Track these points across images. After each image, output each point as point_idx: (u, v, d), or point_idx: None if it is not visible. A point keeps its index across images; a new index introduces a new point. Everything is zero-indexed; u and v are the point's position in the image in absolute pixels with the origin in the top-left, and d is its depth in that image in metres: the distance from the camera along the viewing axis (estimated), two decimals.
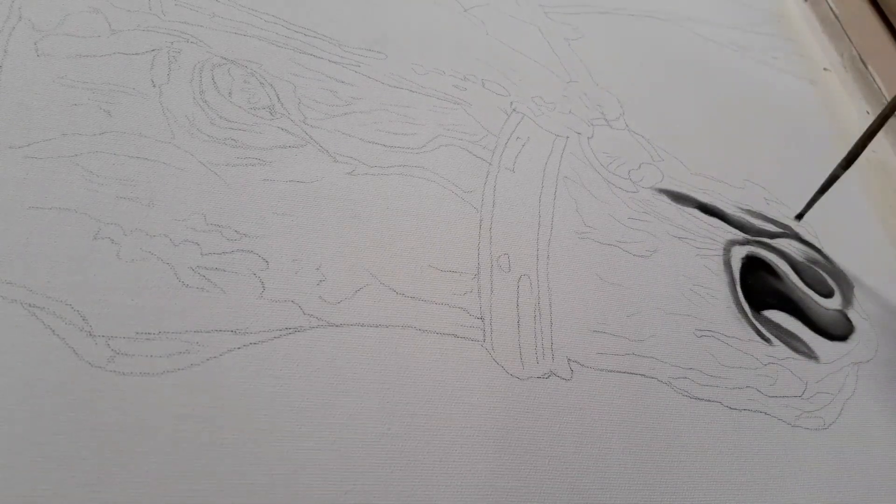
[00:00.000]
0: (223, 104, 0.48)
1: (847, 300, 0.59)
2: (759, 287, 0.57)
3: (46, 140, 0.43)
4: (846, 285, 0.60)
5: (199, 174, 0.45)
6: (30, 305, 0.37)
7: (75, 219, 0.40)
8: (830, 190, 0.65)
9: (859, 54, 0.81)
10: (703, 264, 0.55)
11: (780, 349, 0.53)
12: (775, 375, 0.51)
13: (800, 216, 0.56)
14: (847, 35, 0.81)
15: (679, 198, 0.59)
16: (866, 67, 0.80)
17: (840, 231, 0.64)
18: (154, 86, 0.47)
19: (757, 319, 0.54)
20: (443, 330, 0.44)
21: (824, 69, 0.80)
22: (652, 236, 0.55)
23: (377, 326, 0.43)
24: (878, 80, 0.79)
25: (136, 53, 0.48)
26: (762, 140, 0.68)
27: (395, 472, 0.38)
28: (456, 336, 0.44)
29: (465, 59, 0.60)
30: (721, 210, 0.60)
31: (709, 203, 0.60)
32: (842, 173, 0.55)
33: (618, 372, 0.47)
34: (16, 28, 0.46)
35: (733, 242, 0.58)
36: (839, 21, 0.83)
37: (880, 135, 0.74)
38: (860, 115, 0.76)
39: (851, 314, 0.58)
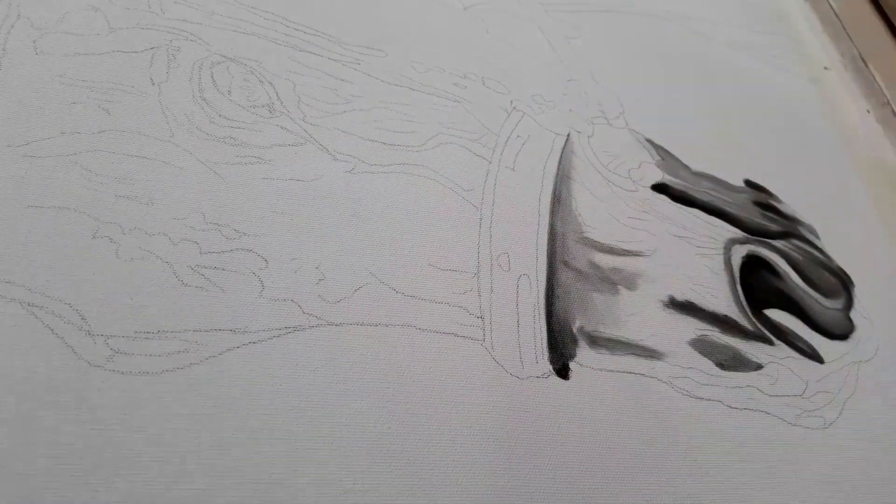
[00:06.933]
0: (222, 102, 0.48)
1: (848, 299, 0.59)
2: (759, 286, 0.57)
3: (45, 138, 0.43)
4: (846, 284, 0.60)
5: (198, 173, 0.45)
6: (28, 304, 0.37)
7: (74, 217, 0.40)
8: (831, 188, 0.65)
9: (860, 53, 0.80)
10: (704, 263, 0.55)
11: (780, 348, 0.53)
12: (776, 375, 0.51)
13: None
14: (848, 34, 0.81)
15: (679, 197, 0.59)
16: (867, 66, 0.80)
17: (840, 229, 0.64)
18: (153, 84, 0.47)
19: (757, 318, 0.54)
20: (443, 329, 0.44)
21: (825, 68, 0.80)
22: (652, 235, 0.55)
23: (377, 325, 0.43)
24: (878, 79, 0.78)
25: (135, 51, 0.48)
26: (762, 138, 0.68)
27: (395, 471, 0.38)
28: (456, 335, 0.44)
29: (466, 56, 0.60)
30: (721, 208, 0.60)
31: (709, 202, 0.60)
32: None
33: (618, 371, 0.47)
34: (14, 26, 0.46)
35: (734, 241, 0.58)
36: (840, 20, 0.82)
37: (881, 134, 0.74)
38: (861, 115, 0.76)
39: (852, 313, 0.58)
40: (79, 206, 0.41)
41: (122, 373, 0.37)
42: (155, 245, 0.41)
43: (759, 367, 0.51)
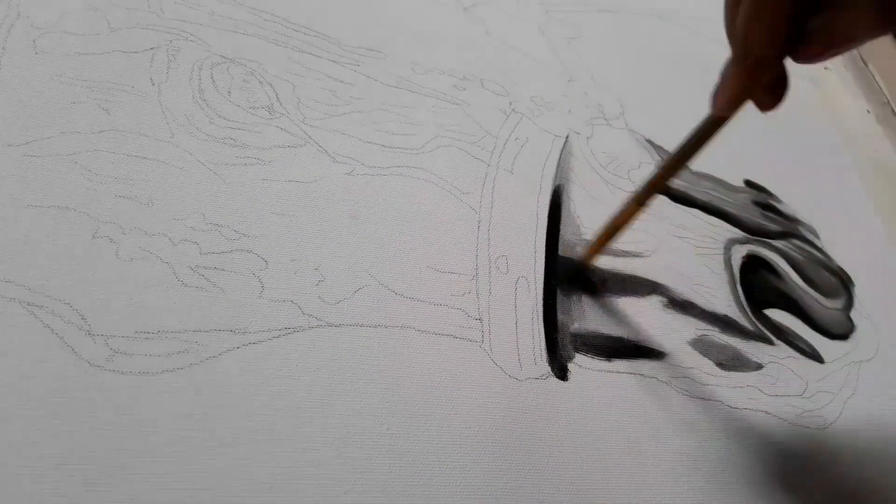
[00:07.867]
0: (222, 103, 0.48)
1: (848, 299, 0.59)
2: (759, 286, 0.57)
3: (45, 138, 0.43)
4: (846, 284, 0.60)
5: (198, 173, 0.45)
6: (28, 304, 0.37)
7: (74, 217, 0.40)
8: (831, 188, 0.65)
9: (860, 53, 0.80)
10: (704, 263, 0.55)
11: (780, 348, 0.53)
12: (776, 374, 0.51)
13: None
14: None
15: (679, 197, 0.59)
16: (867, 66, 0.80)
17: (840, 229, 0.64)
18: (153, 84, 0.47)
19: (757, 318, 0.54)
20: (442, 331, 0.44)
21: (825, 68, 0.80)
22: (651, 236, 0.55)
23: (376, 327, 0.43)
24: (878, 79, 0.79)
25: (135, 52, 0.48)
26: (762, 138, 0.68)
27: (394, 471, 0.38)
28: (455, 337, 0.44)
29: (465, 58, 0.60)
30: (721, 208, 0.60)
31: (709, 202, 0.60)
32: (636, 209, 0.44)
33: (617, 372, 0.47)
34: (14, 25, 0.46)
35: (733, 241, 0.58)
36: None
37: (881, 135, 0.74)
38: (861, 114, 0.76)
39: (852, 313, 0.58)
40: (79, 206, 0.41)
41: (122, 373, 0.37)
42: (155, 245, 0.41)
43: (759, 367, 0.51)
